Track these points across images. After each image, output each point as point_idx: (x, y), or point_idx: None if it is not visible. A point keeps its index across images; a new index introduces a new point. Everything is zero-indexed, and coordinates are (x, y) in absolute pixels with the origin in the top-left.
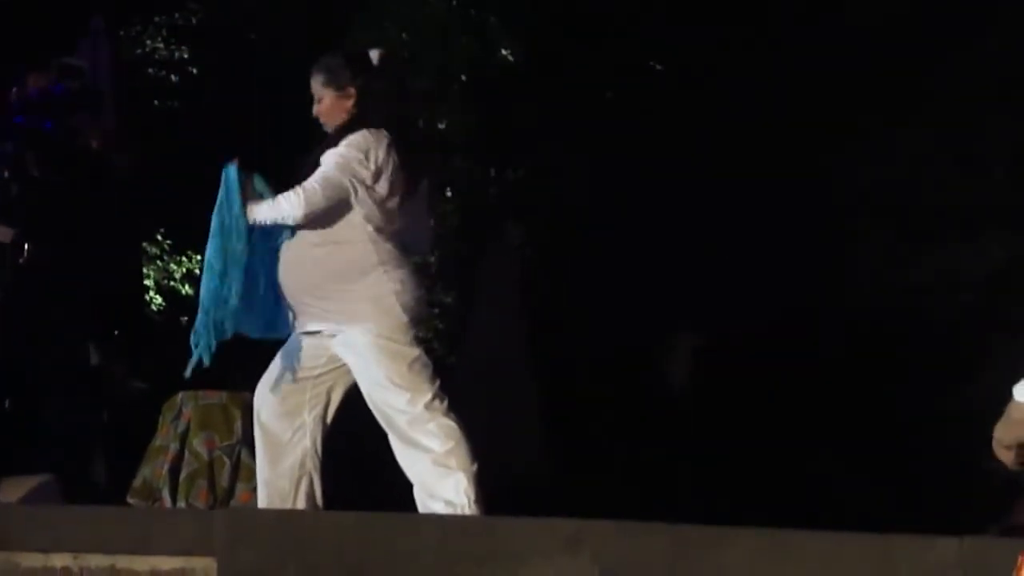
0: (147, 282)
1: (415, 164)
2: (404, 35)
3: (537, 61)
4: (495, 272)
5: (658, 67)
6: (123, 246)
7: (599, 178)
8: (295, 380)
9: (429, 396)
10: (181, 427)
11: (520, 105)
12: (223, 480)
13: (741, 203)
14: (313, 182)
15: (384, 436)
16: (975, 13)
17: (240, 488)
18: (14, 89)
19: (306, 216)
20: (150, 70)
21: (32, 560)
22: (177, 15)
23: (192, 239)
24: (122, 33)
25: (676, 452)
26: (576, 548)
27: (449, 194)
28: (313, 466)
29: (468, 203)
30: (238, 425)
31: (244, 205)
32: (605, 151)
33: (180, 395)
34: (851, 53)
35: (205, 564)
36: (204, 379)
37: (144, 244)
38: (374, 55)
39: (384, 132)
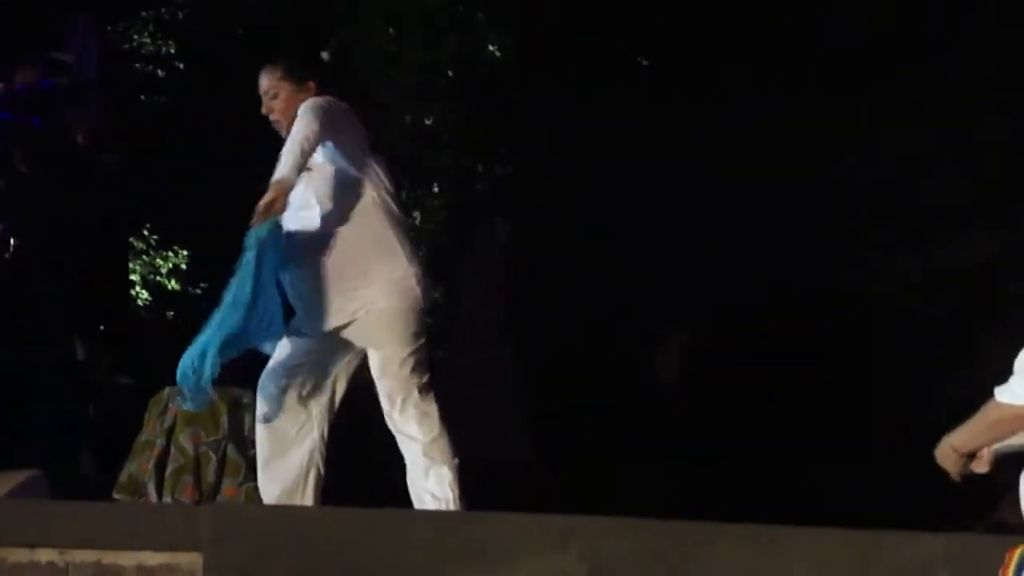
0: (133, 277)
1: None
2: (391, 30)
3: (524, 57)
4: (482, 268)
5: (646, 63)
6: (110, 241)
7: (586, 174)
8: (299, 374)
9: (425, 382)
10: (167, 422)
11: (507, 101)
12: (209, 475)
13: (732, 200)
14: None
15: (384, 429)
16: (966, 13)
17: (226, 483)
18: (1, 84)
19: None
20: (137, 65)
21: (18, 555)
22: (164, 10)
23: (178, 234)
24: (109, 28)
25: (664, 448)
26: (565, 544)
27: (436, 190)
28: (321, 458)
29: (455, 199)
30: (224, 420)
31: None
32: (593, 148)
33: (166, 390)
34: (845, 51)
35: (191, 559)
36: None
37: (131, 239)
38: (324, 56)
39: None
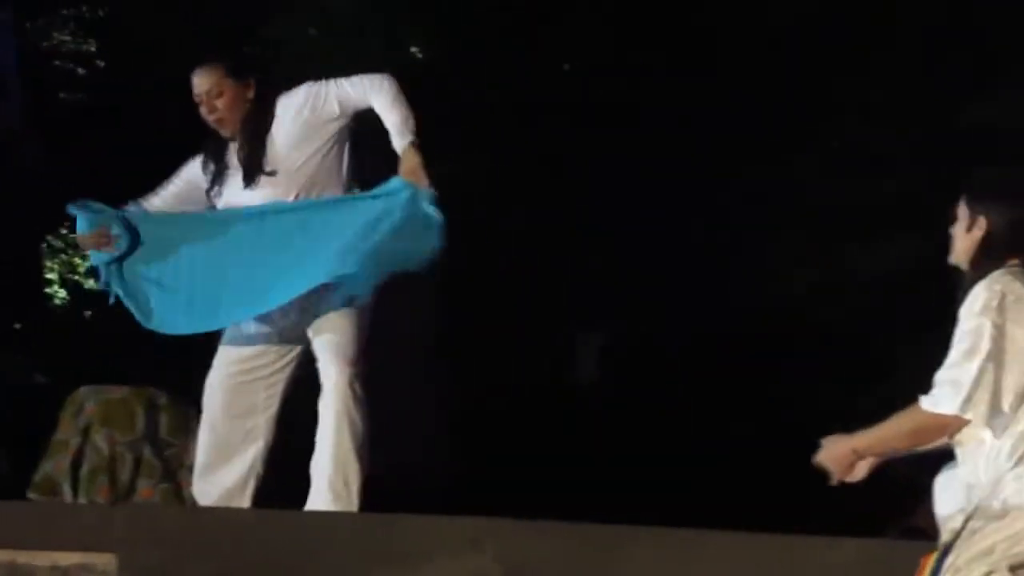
0: (51, 276)
1: None
2: (312, 30)
3: (447, 60)
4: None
5: (567, 67)
6: (26, 239)
7: (507, 177)
8: (245, 380)
9: (357, 372)
10: (83, 422)
11: (429, 103)
12: (124, 476)
13: (648, 202)
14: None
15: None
16: (878, 19)
17: (142, 484)
18: None
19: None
20: (57, 62)
21: None
22: (84, 7)
23: None
24: (29, 25)
25: (581, 451)
26: (480, 546)
27: (356, 192)
28: (262, 466)
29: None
30: (140, 420)
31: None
32: (514, 151)
33: (82, 389)
34: (758, 54)
35: (106, 560)
36: (107, 374)
37: (48, 238)
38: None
39: None
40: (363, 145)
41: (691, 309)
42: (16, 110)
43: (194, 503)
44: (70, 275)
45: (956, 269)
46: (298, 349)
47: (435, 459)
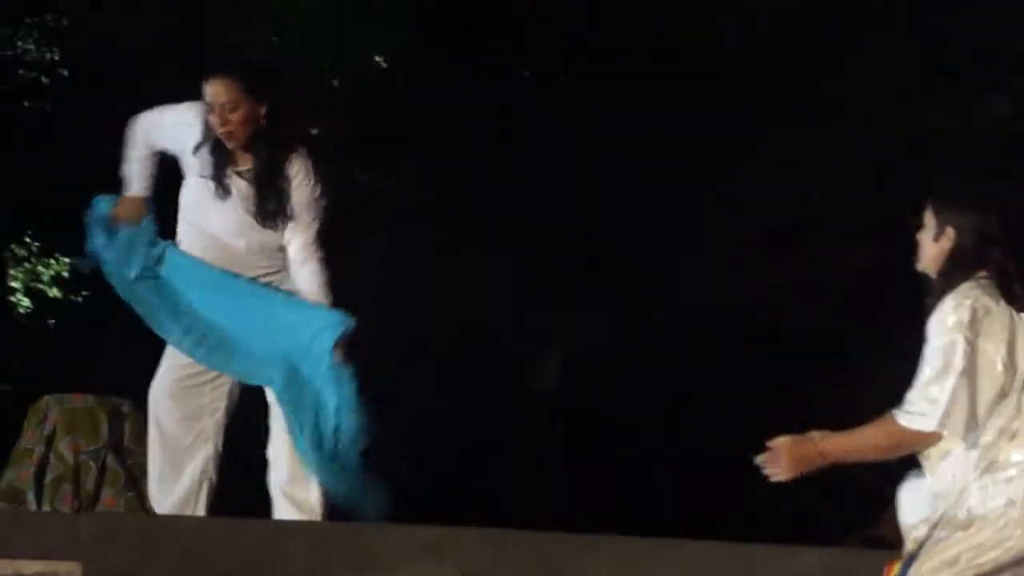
0: (14, 284)
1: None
2: (275, 38)
3: (408, 67)
4: (365, 278)
5: (527, 73)
6: None
7: (469, 184)
8: (191, 384)
9: None
10: (47, 430)
11: (391, 111)
12: (88, 484)
13: (611, 206)
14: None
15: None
16: (844, 23)
17: (106, 492)
18: None
19: None
20: (20, 71)
21: None
22: (48, 16)
23: (61, 242)
24: None
25: (542, 459)
26: (439, 555)
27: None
28: (214, 471)
29: (337, 208)
30: (104, 429)
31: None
32: (476, 157)
33: (46, 398)
34: (724, 58)
35: (70, 568)
36: (70, 382)
37: (12, 246)
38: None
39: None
40: None
41: (656, 315)
42: None
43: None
44: (34, 283)
45: (924, 276)
46: None
47: (394, 467)
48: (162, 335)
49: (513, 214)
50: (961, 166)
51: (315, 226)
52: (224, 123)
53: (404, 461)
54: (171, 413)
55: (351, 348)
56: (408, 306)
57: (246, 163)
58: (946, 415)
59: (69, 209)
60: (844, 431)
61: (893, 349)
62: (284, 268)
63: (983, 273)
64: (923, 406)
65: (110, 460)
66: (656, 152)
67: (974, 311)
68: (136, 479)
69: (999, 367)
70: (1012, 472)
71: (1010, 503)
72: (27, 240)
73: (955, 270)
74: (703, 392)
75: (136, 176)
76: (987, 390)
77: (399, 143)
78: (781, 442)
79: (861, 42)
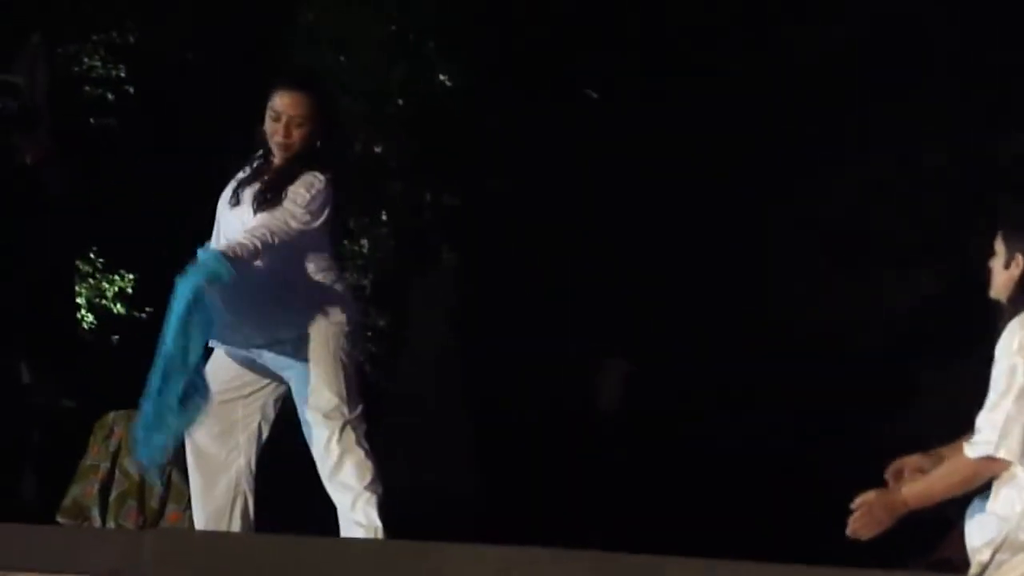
0: (79, 300)
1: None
2: (341, 58)
3: (474, 86)
4: (429, 297)
5: (595, 95)
6: (56, 264)
7: (534, 204)
8: (225, 400)
9: (359, 410)
10: (112, 446)
11: (457, 130)
12: (153, 500)
13: (676, 230)
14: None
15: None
16: (910, 51)
17: (170, 508)
18: None
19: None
20: (87, 88)
21: None
22: (115, 33)
23: (125, 258)
24: (59, 50)
25: (609, 479)
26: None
27: (384, 218)
28: (248, 486)
29: (403, 227)
30: None
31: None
32: (542, 178)
33: (112, 414)
34: (790, 84)
35: None
36: (135, 398)
37: (77, 262)
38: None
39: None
40: None
41: (718, 337)
42: (46, 135)
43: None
44: (98, 299)
45: (996, 303)
46: (272, 384)
47: (464, 486)
48: None
49: (577, 234)
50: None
51: (282, 215)
52: (287, 135)
53: (469, 480)
54: (205, 428)
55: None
56: (474, 326)
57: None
58: (1003, 437)
59: (134, 225)
60: (922, 478)
61: (963, 375)
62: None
63: None
64: (985, 434)
65: (175, 476)
66: (722, 175)
67: None
68: None
69: None
70: None
71: None
72: (91, 256)
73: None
74: (771, 415)
75: None
76: None
77: (464, 163)
78: (866, 498)
79: (934, 66)
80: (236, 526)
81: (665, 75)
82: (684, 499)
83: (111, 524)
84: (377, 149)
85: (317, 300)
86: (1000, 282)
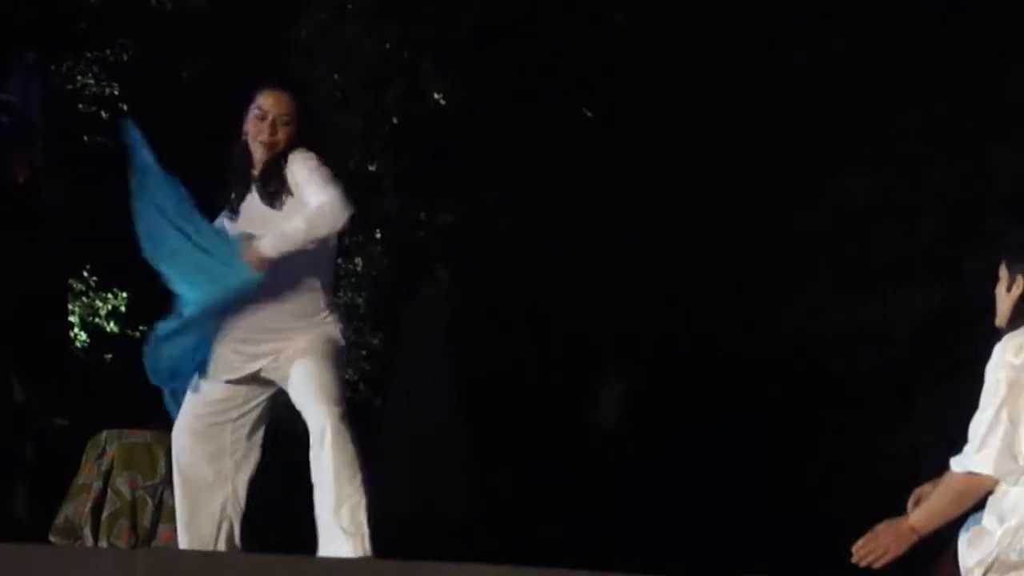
0: (72, 319)
1: None
2: (336, 76)
3: (468, 105)
4: (424, 315)
5: (588, 113)
6: (49, 282)
7: (528, 221)
8: (214, 424)
9: (344, 411)
10: (105, 465)
11: (451, 148)
12: (145, 520)
13: (673, 249)
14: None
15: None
16: (909, 68)
17: (163, 528)
18: None
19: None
20: (80, 106)
21: None
22: (108, 51)
23: (118, 277)
24: (53, 68)
25: (606, 498)
26: None
27: (379, 236)
28: (234, 512)
29: (397, 245)
30: (162, 465)
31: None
32: (535, 196)
33: (104, 433)
34: (787, 103)
35: None
36: (128, 417)
37: (70, 280)
38: None
39: None
40: None
41: (717, 357)
42: (40, 153)
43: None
44: (91, 318)
45: (998, 329)
46: (264, 395)
47: (457, 505)
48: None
49: (571, 252)
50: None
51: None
52: (273, 133)
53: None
54: (192, 451)
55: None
56: (468, 343)
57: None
58: (978, 450)
59: (127, 244)
60: (925, 504)
61: (957, 391)
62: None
63: None
64: (967, 446)
65: (167, 495)
66: (719, 195)
67: (1020, 347)
68: None
69: None
70: None
71: None
72: (85, 274)
73: (1021, 315)
74: (767, 434)
75: None
76: None
77: (458, 181)
78: (877, 528)
79: (933, 87)
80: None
81: (658, 96)
82: (681, 519)
83: (103, 543)
84: (371, 167)
85: (321, 304)
86: (1004, 309)
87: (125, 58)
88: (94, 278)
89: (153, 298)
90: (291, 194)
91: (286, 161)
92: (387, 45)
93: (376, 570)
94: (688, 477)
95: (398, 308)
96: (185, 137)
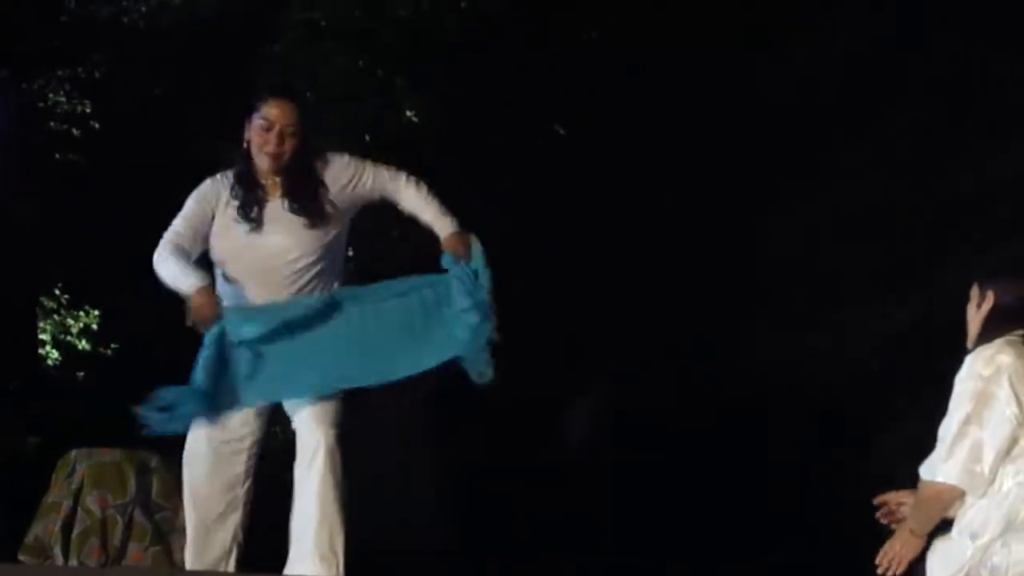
0: (43, 336)
1: None
2: (309, 93)
3: (441, 122)
4: None
5: (561, 131)
6: (20, 299)
7: (502, 240)
8: (229, 451)
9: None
10: (75, 484)
11: (424, 166)
12: (115, 539)
13: (645, 267)
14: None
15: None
16: (874, 85)
17: (133, 547)
18: None
19: None
20: (52, 123)
21: None
22: (81, 69)
23: (90, 294)
24: (25, 85)
25: (577, 517)
26: None
27: (351, 253)
28: (242, 534)
29: (369, 259)
30: (132, 484)
31: None
32: (508, 213)
33: (74, 452)
34: (756, 118)
35: None
36: (99, 436)
37: (41, 298)
38: None
39: None
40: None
41: (685, 374)
42: (12, 170)
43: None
44: (63, 336)
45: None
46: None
47: (429, 524)
48: None
49: (546, 271)
50: (1000, 227)
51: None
52: (279, 143)
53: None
54: (207, 480)
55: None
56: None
57: (275, 191)
58: (943, 461)
59: (99, 261)
60: (911, 512)
61: (929, 409)
62: (327, 254)
63: (1020, 332)
64: (940, 455)
65: (137, 515)
66: (696, 207)
67: (990, 360)
68: (163, 534)
69: (1009, 416)
70: None
71: None
72: (56, 292)
73: (991, 329)
74: (740, 450)
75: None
76: (995, 438)
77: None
78: (888, 542)
79: (897, 103)
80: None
81: (634, 110)
82: (661, 539)
83: (73, 562)
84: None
85: None
86: (974, 328)
87: (97, 75)
88: (66, 296)
89: (125, 315)
90: (325, 202)
91: (313, 170)
92: (360, 62)
93: None
94: (667, 491)
95: None
96: (156, 154)
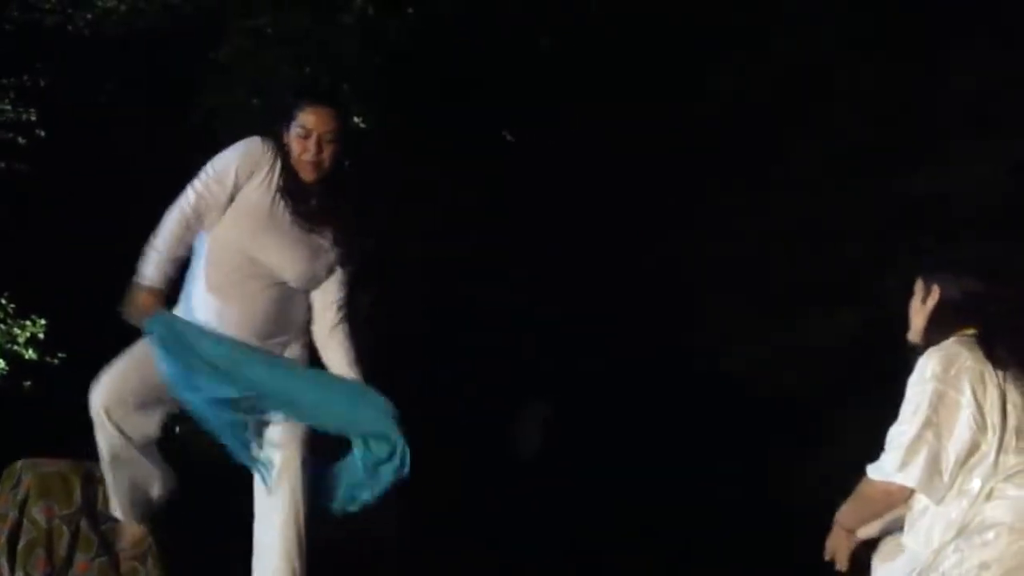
0: None
1: None
2: (255, 101)
3: (389, 129)
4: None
5: (509, 138)
6: None
7: (448, 247)
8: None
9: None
10: (20, 495)
11: (370, 173)
12: (61, 549)
13: (592, 275)
14: None
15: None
16: (824, 90)
17: (79, 558)
18: None
19: None
20: None
21: None
22: (25, 76)
23: (36, 303)
24: None
25: (528, 521)
26: None
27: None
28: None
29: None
30: (77, 494)
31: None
32: (455, 219)
33: (19, 463)
34: (702, 125)
35: None
36: (47, 446)
37: None
38: None
39: None
40: None
41: (639, 379)
42: None
43: None
44: (9, 345)
45: (913, 347)
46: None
47: (385, 528)
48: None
49: (491, 279)
50: (950, 231)
51: (346, 277)
52: (319, 151)
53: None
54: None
55: None
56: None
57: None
58: (904, 463)
59: (45, 269)
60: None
61: (880, 414)
62: (292, 336)
63: (970, 331)
64: (887, 455)
65: (83, 525)
66: (637, 218)
67: (948, 362)
68: (109, 545)
69: (969, 421)
70: (989, 535)
71: (984, 566)
72: (3, 301)
73: (940, 326)
74: (690, 458)
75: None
76: (955, 443)
77: (377, 207)
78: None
79: (852, 107)
80: None
81: (576, 119)
82: (604, 540)
83: (19, 574)
84: None
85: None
86: (918, 323)
87: (42, 84)
88: (12, 305)
89: (73, 324)
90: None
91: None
92: (306, 69)
93: None
94: (615, 501)
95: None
96: (103, 163)
